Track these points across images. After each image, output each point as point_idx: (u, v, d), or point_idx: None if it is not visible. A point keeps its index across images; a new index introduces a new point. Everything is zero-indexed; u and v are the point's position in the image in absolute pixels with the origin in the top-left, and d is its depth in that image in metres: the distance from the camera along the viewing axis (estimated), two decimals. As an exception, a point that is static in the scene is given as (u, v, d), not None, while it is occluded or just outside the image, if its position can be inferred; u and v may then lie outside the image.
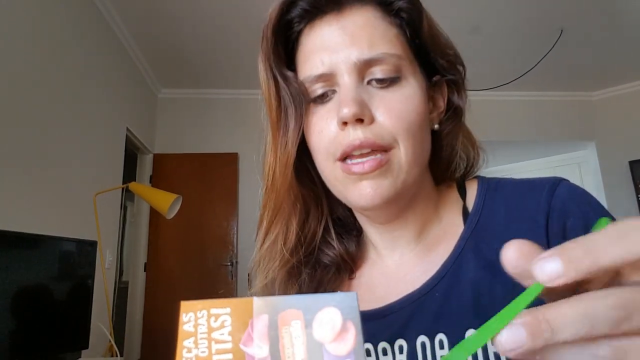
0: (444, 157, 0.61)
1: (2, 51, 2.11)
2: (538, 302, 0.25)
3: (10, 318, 1.59)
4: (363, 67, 0.52)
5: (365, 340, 0.56)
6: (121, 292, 4.05)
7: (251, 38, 4.23)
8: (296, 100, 0.55)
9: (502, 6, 3.55)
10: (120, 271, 4.10)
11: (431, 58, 0.58)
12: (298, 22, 0.58)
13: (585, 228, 0.48)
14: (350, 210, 0.65)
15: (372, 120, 0.51)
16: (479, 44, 4.06)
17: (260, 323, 0.27)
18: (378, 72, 0.52)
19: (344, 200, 0.56)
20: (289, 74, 0.56)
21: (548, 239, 0.50)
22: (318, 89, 0.54)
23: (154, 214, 4.31)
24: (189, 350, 0.27)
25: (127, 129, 3.83)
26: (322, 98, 0.54)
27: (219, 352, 0.27)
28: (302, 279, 0.61)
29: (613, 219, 0.50)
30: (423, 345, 0.52)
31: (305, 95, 0.55)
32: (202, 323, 0.28)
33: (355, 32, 0.53)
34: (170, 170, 4.52)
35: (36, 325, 1.72)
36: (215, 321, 0.28)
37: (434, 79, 0.59)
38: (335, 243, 0.63)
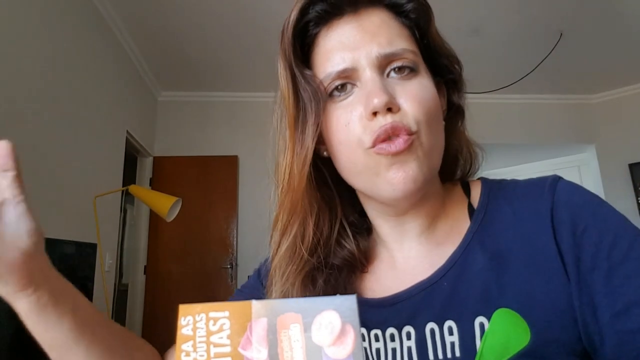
0: (449, 155, 0.63)
1: (4, 57, 2.11)
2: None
3: (10, 320, 1.58)
4: (384, 62, 0.54)
5: (374, 327, 0.58)
6: (121, 294, 4.04)
7: (252, 41, 4.22)
8: (316, 96, 0.56)
9: (502, 9, 3.56)
10: (120, 274, 4.09)
11: (436, 58, 0.61)
12: (315, 24, 0.59)
13: (594, 216, 0.50)
14: (361, 210, 0.66)
15: (399, 108, 0.53)
16: (479, 47, 4.06)
17: (259, 326, 0.27)
18: (398, 64, 0.54)
19: (371, 191, 0.57)
20: (308, 72, 0.58)
21: (554, 231, 0.51)
22: (337, 83, 0.56)
23: (154, 217, 4.31)
24: (188, 354, 0.27)
25: (127, 131, 3.83)
26: (343, 92, 0.56)
27: (217, 355, 0.27)
28: (319, 284, 0.61)
29: (613, 209, 0.52)
30: (432, 331, 0.54)
31: (322, 93, 0.56)
32: (200, 327, 0.27)
33: (374, 30, 0.55)
34: (170, 173, 4.52)
35: (35, 328, 1.72)
36: (214, 325, 0.27)
37: (436, 78, 0.61)
38: (349, 242, 0.64)
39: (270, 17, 3.42)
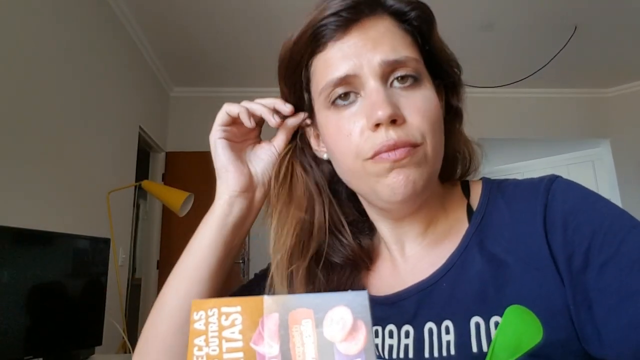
0: (448, 156, 0.62)
1: (17, 52, 2.13)
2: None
3: (25, 314, 1.61)
4: (387, 70, 0.54)
5: (374, 323, 0.58)
6: (134, 289, 4.07)
7: (263, 37, 4.22)
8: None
9: (516, 3, 3.51)
10: (133, 268, 4.13)
11: (437, 63, 0.61)
12: (325, 42, 0.57)
13: (586, 212, 0.50)
14: (362, 211, 0.67)
15: (404, 120, 0.52)
16: (493, 41, 4.02)
17: (271, 322, 0.27)
18: (401, 72, 0.54)
19: (372, 196, 0.57)
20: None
21: (546, 232, 0.51)
22: (340, 92, 0.55)
23: (167, 212, 4.33)
24: (200, 349, 0.27)
25: (140, 127, 3.85)
26: (346, 101, 0.55)
27: (229, 350, 0.27)
28: (320, 281, 0.62)
29: (611, 204, 0.51)
30: (430, 331, 0.54)
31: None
32: (212, 321, 0.28)
33: (377, 37, 0.55)
34: (182, 168, 4.53)
35: (50, 322, 1.74)
36: (226, 319, 0.28)
37: (436, 81, 0.61)
38: (349, 241, 0.65)
39: (282, 13, 3.42)
